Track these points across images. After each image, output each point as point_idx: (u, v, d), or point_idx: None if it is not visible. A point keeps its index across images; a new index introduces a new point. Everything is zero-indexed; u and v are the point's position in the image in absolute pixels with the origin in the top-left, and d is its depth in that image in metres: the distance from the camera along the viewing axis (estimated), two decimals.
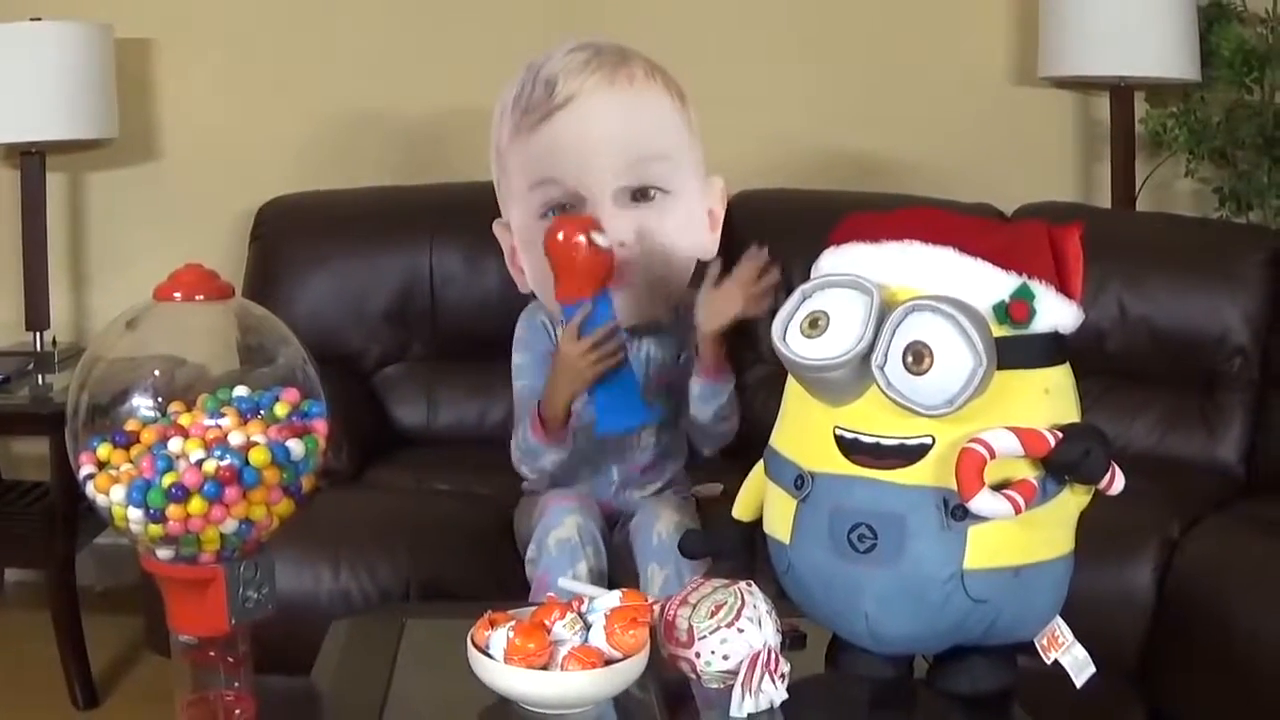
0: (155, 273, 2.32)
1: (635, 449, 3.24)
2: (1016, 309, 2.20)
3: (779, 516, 2.34)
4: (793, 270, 3.19)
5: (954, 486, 2.14)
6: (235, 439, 2.15)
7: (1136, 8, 4.25)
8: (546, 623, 2.27)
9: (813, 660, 2.41)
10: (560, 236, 3.04)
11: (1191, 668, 3.19)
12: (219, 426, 2.17)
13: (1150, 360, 3.90)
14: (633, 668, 2.27)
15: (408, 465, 3.75)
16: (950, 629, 2.26)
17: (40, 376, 4.17)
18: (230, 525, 2.14)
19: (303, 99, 4.53)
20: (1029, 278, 2.22)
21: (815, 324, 2.25)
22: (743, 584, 2.36)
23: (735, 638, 2.28)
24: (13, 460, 4.50)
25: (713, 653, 2.29)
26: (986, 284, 2.22)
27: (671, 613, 2.35)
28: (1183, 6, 4.26)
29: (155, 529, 2.12)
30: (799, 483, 2.29)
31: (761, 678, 2.24)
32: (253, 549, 2.21)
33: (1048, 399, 2.24)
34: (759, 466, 2.48)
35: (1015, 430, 2.16)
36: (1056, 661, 2.33)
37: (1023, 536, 2.21)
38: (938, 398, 2.16)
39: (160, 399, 2.21)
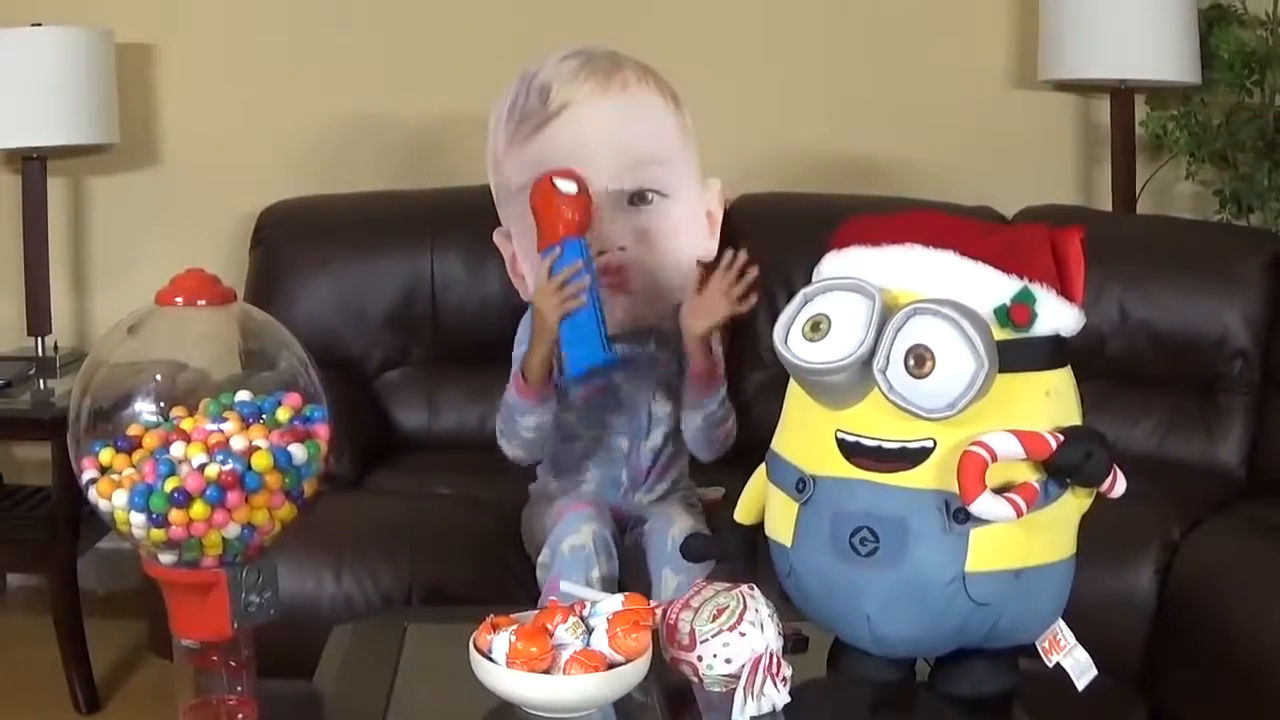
0: (157, 278, 2.32)
1: (640, 450, 3.23)
2: (1018, 312, 2.20)
3: (781, 520, 2.34)
4: (794, 274, 3.19)
5: (955, 489, 2.14)
6: (237, 444, 2.16)
7: (1137, 11, 4.25)
8: (549, 626, 2.27)
9: (815, 663, 2.42)
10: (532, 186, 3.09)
11: (1193, 670, 3.19)
12: (221, 431, 2.18)
13: (1151, 363, 3.91)
14: (635, 671, 2.27)
15: (409, 469, 3.75)
16: (952, 632, 2.26)
17: (42, 381, 4.16)
18: (232, 530, 2.15)
19: (303, 104, 4.53)
20: (1030, 281, 2.22)
21: (817, 327, 2.25)
22: (745, 587, 2.36)
23: (737, 641, 2.29)
24: (15, 465, 4.50)
25: (715, 656, 2.29)
26: (988, 287, 2.22)
27: (673, 616, 2.35)
28: (1183, 9, 4.26)
29: (157, 534, 2.13)
30: (801, 486, 2.29)
31: (763, 681, 2.24)
32: (255, 554, 2.21)
33: (1049, 402, 2.24)
34: (761, 470, 2.48)
35: (1017, 433, 2.17)
36: (1058, 664, 2.33)
37: (1024, 539, 2.22)
38: (939, 401, 2.16)
39: (162, 404, 2.22)
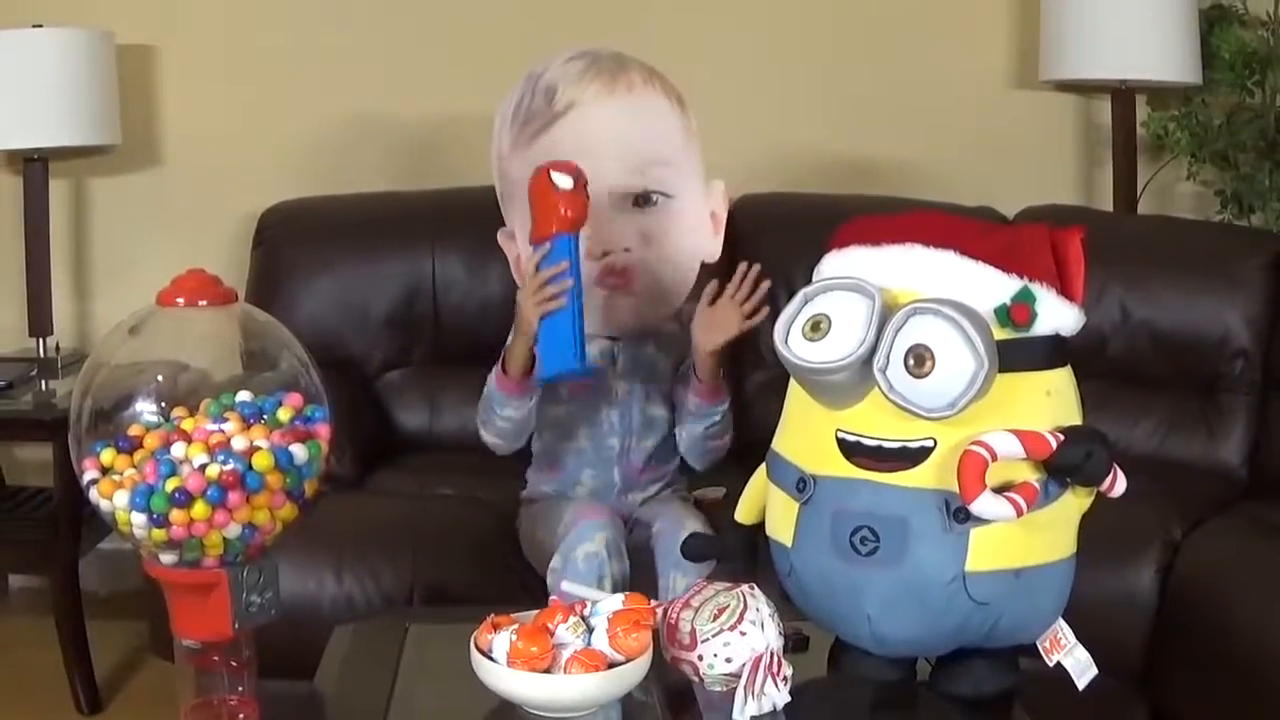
0: (158, 278, 2.32)
1: (632, 451, 3.23)
2: (1018, 312, 2.21)
3: (781, 519, 2.34)
4: (794, 274, 3.19)
5: (956, 489, 2.15)
6: (238, 444, 2.16)
7: (1137, 11, 4.25)
8: (549, 626, 2.27)
9: (815, 663, 2.42)
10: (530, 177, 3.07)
11: (1194, 669, 3.19)
12: (222, 431, 2.18)
13: (1152, 363, 3.91)
14: (635, 671, 2.27)
15: (410, 470, 3.75)
16: (952, 631, 2.27)
17: (43, 382, 4.17)
18: (233, 530, 2.15)
19: (305, 104, 4.53)
20: (1030, 280, 2.22)
21: (817, 327, 2.25)
22: (745, 587, 2.36)
23: (738, 640, 2.29)
24: (16, 466, 4.50)
25: (715, 655, 2.29)
26: (988, 287, 2.22)
27: (674, 616, 2.35)
28: (1184, 9, 4.26)
29: (158, 534, 2.13)
30: (801, 485, 2.29)
31: (764, 680, 2.24)
32: (256, 554, 2.21)
33: (1049, 401, 2.25)
34: (761, 470, 2.48)
35: (1017, 433, 2.17)
36: (1059, 664, 2.33)
37: (1025, 539, 2.22)
38: (939, 400, 2.16)
39: (163, 404, 2.22)
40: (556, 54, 3.33)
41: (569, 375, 3.08)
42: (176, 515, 2.11)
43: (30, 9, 4.23)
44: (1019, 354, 2.20)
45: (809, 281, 2.34)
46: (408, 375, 4.00)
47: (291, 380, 2.28)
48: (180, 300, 2.23)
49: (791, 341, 2.27)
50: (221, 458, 2.14)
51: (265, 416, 2.22)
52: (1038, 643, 2.33)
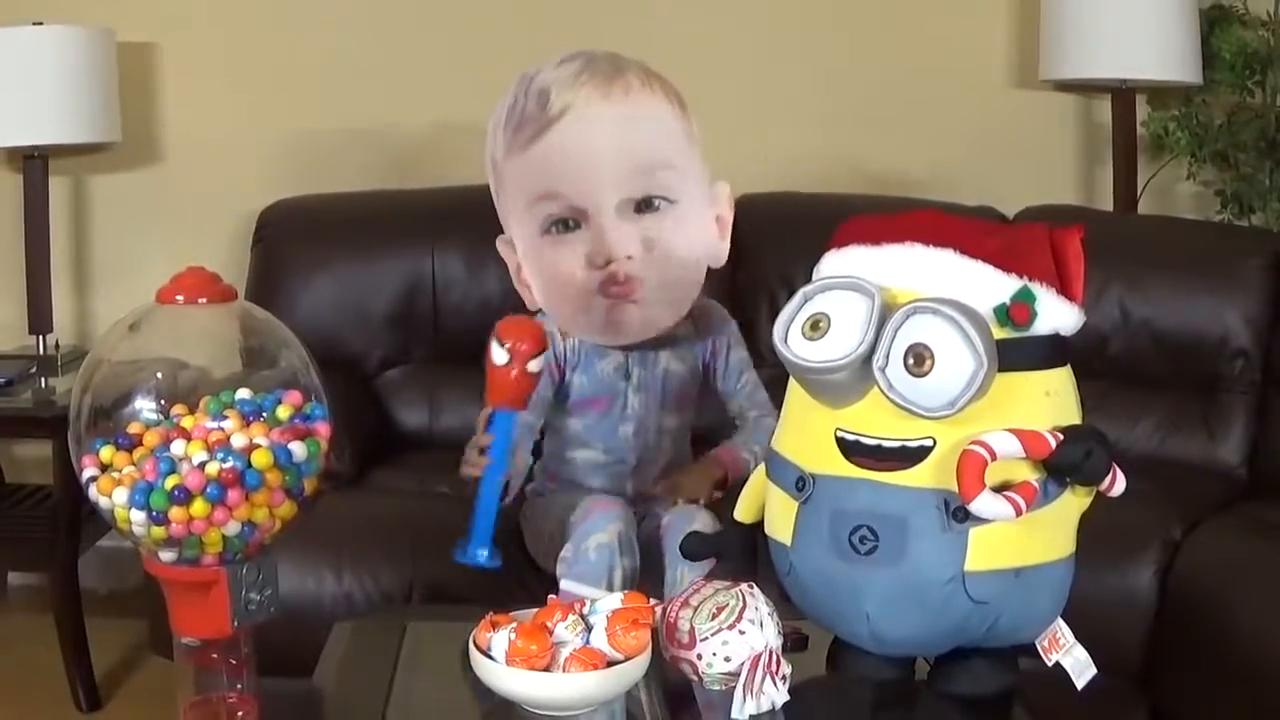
0: (158, 276, 2.32)
1: (647, 464, 3.22)
2: (1017, 311, 2.21)
3: (780, 518, 2.34)
4: (794, 273, 3.19)
5: (955, 488, 2.14)
6: (238, 441, 2.16)
7: (1138, 11, 4.25)
8: (548, 624, 2.27)
9: (814, 662, 2.42)
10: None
11: (1193, 669, 3.19)
12: (221, 429, 2.18)
13: (1152, 362, 3.91)
14: (634, 669, 2.27)
15: (410, 468, 3.75)
16: (951, 630, 2.27)
17: (43, 380, 4.17)
18: (233, 528, 2.15)
19: (305, 102, 4.53)
20: (1030, 280, 2.22)
21: (816, 326, 2.25)
22: (744, 586, 2.36)
23: (737, 639, 2.29)
24: (16, 463, 4.50)
25: (714, 654, 2.29)
26: (988, 286, 2.22)
27: (673, 614, 2.35)
28: (1184, 9, 4.26)
29: (158, 531, 2.13)
30: (800, 485, 2.29)
31: (763, 679, 2.24)
32: (255, 551, 2.21)
33: (1049, 401, 2.24)
34: (760, 469, 2.49)
35: (1016, 432, 2.17)
36: (1058, 663, 2.33)
37: (1024, 538, 2.22)
38: (939, 400, 2.16)
39: (163, 402, 2.22)
40: (550, 57, 3.24)
41: (476, 567, 2.89)
42: (176, 513, 2.11)
43: (30, 6, 4.23)
44: (1018, 353, 2.20)
45: (808, 280, 2.34)
46: (407, 373, 4.01)
47: (291, 378, 2.28)
48: (180, 298, 2.23)
49: (791, 340, 2.27)
50: (221, 455, 2.14)
51: (265, 414, 2.22)
52: (1037, 642, 2.33)
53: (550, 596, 2.40)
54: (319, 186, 4.25)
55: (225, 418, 2.20)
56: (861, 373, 2.21)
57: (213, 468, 2.13)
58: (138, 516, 2.13)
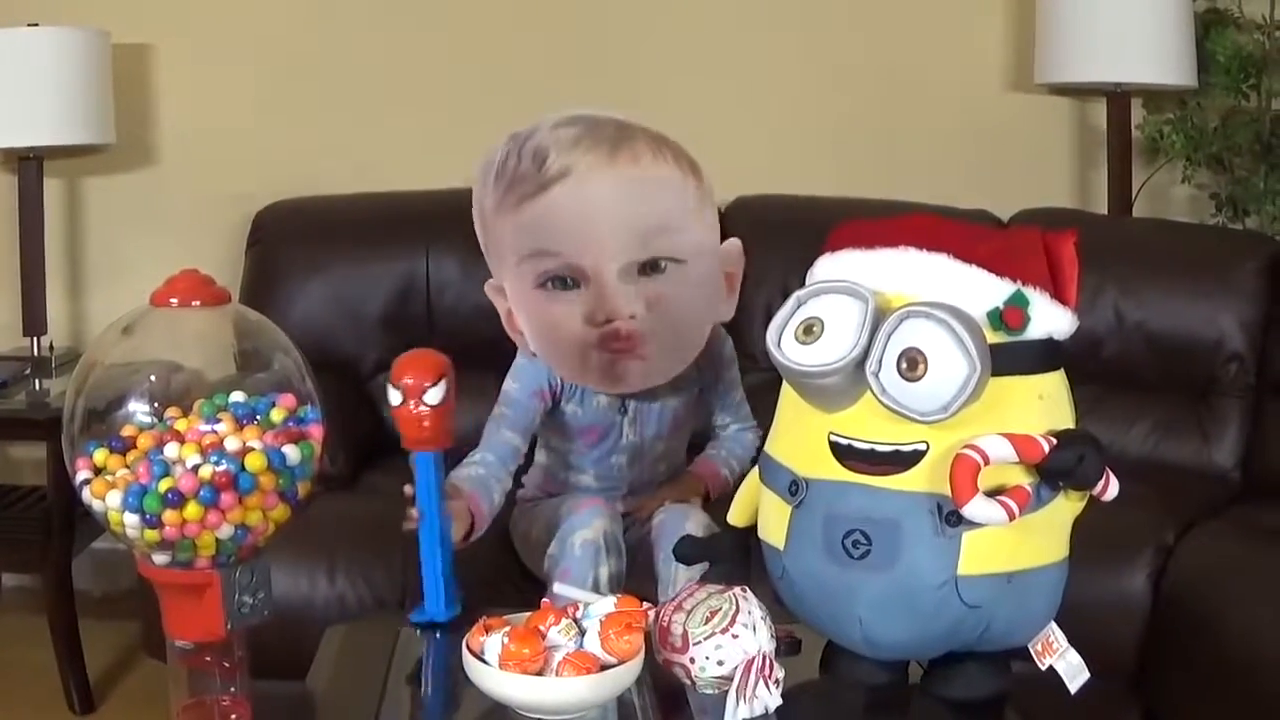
0: (152, 278, 2.32)
1: (640, 486, 3.20)
2: (1011, 315, 2.21)
3: (774, 522, 2.34)
4: (788, 276, 3.18)
5: (948, 492, 2.15)
6: (231, 444, 2.16)
7: (1133, 14, 4.25)
8: (541, 628, 2.27)
9: (807, 666, 2.41)
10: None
11: (1187, 673, 3.19)
12: (215, 432, 2.18)
13: (1146, 366, 3.91)
14: (627, 673, 2.27)
15: (403, 471, 3.73)
16: (944, 635, 2.27)
17: (37, 381, 4.17)
18: (226, 531, 2.15)
19: (300, 104, 4.53)
20: (1024, 284, 2.22)
21: (810, 330, 2.25)
22: (737, 590, 2.36)
23: (730, 643, 2.29)
24: (10, 465, 4.50)
25: (707, 658, 2.29)
26: (981, 290, 2.22)
27: (666, 618, 2.35)
28: (1179, 13, 4.26)
29: (151, 534, 2.13)
30: (793, 489, 2.29)
31: (756, 683, 2.24)
32: (249, 554, 2.22)
33: (1042, 405, 2.25)
34: (754, 472, 2.49)
35: (1009, 436, 2.17)
36: (1051, 667, 2.33)
37: (1017, 542, 2.22)
38: (932, 404, 2.16)
39: (157, 404, 2.22)
40: (543, 117, 3.10)
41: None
42: (169, 516, 2.11)
43: (26, 8, 4.23)
44: (1012, 358, 2.20)
45: (802, 284, 2.34)
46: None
47: (285, 381, 2.28)
48: (174, 300, 2.24)
49: (784, 345, 2.27)
50: (214, 458, 2.14)
51: (258, 417, 2.23)
52: (1030, 646, 2.33)
53: (543, 600, 2.39)
54: (313, 189, 4.25)
55: (219, 421, 2.20)
56: (855, 377, 2.21)
57: (206, 471, 2.13)
58: (131, 519, 2.13)
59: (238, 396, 2.25)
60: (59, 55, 4.13)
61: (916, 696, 2.39)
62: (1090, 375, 3.61)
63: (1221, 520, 3.53)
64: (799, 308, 2.30)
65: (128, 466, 2.17)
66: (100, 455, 2.18)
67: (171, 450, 2.16)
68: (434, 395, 2.63)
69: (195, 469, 2.13)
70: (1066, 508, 2.27)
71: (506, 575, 3.19)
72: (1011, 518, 2.15)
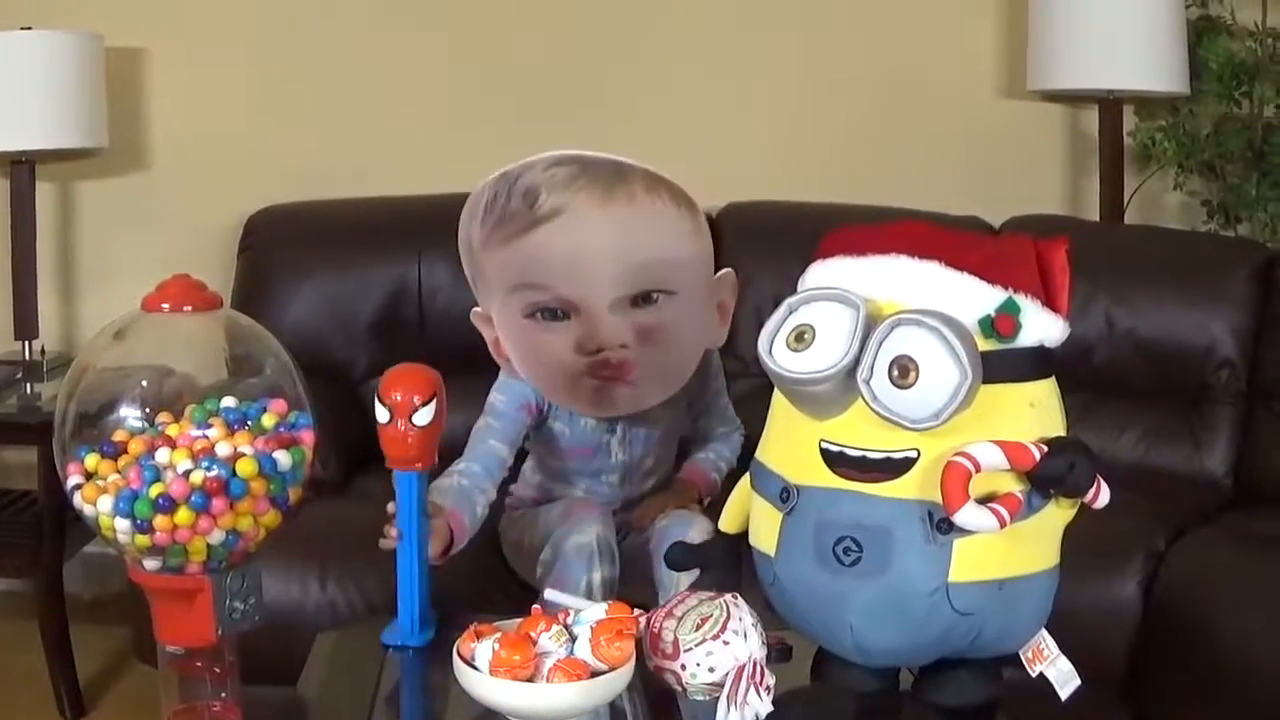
0: (144, 283, 2.33)
1: (631, 501, 3.19)
2: (1002, 323, 2.21)
3: (765, 529, 2.34)
4: (779, 283, 3.18)
5: (939, 500, 2.14)
6: (222, 450, 2.16)
7: (1125, 21, 4.25)
8: (532, 635, 2.27)
9: (798, 672, 2.42)
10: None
11: (1178, 680, 3.19)
12: (206, 437, 2.18)
13: (1137, 373, 3.92)
14: (618, 680, 2.26)
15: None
16: (935, 641, 2.27)
17: (29, 386, 4.17)
18: (217, 536, 2.15)
19: (292, 109, 4.53)
20: (1015, 292, 2.22)
21: (801, 337, 2.25)
22: (728, 596, 2.36)
23: (721, 650, 2.29)
24: (1, 469, 4.49)
25: (698, 665, 2.29)
26: (972, 298, 2.22)
27: (657, 625, 2.35)
28: (1172, 20, 4.27)
29: (142, 539, 2.13)
30: (785, 495, 2.29)
31: (747, 690, 2.24)
32: (240, 560, 2.22)
33: (1033, 413, 2.25)
34: (745, 479, 2.48)
35: (1000, 444, 2.17)
36: (1042, 674, 2.33)
37: (1008, 550, 2.22)
38: (923, 411, 2.16)
39: (148, 409, 2.22)
40: (535, 157, 3.05)
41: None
42: (160, 521, 2.11)
43: (19, 11, 4.23)
44: (1003, 365, 2.20)
45: (793, 291, 2.34)
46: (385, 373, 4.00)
47: (276, 386, 2.29)
48: (166, 305, 2.24)
49: (775, 352, 2.27)
50: (206, 464, 2.15)
51: (249, 422, 2.23)
52: (1020, 653, 2.33)
53: (534, 606, 2.39)
54: (306, 193, 4.25)
55: (210, 426, 2.21)
56: (846, 384, 2.21)
57: (197, 476, 2.13)
58: (122, 524, 2.13)
59: (229, 402, 2.25)
60: (52, 58, 4.13)
61: (907, 703, 2.39)
62: (1081, 382, 3.62)
63: (1212, 527, 3.53)
64: (790, 315, 2.30)
65: (119, 471, 2.17)
66: (91, 460, 2.18)
67: (163, 455, 2.16)
68: (424, 416, 2.59)
69: (186, 474, 2.13)
70: (1057, 515, 2.27)
71: (497, 582, 3.19)
72: (1002, 525, 2.15)
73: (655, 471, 3.21)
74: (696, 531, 2.95)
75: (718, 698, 2.25)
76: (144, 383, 2.25)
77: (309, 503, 2.36)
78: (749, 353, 3.40)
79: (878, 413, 2.18)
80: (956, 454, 2.15)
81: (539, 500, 3.21)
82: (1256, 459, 3.85)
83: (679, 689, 2.33)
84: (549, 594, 2.62)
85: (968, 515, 2.13)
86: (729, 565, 2.52)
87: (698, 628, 2.31)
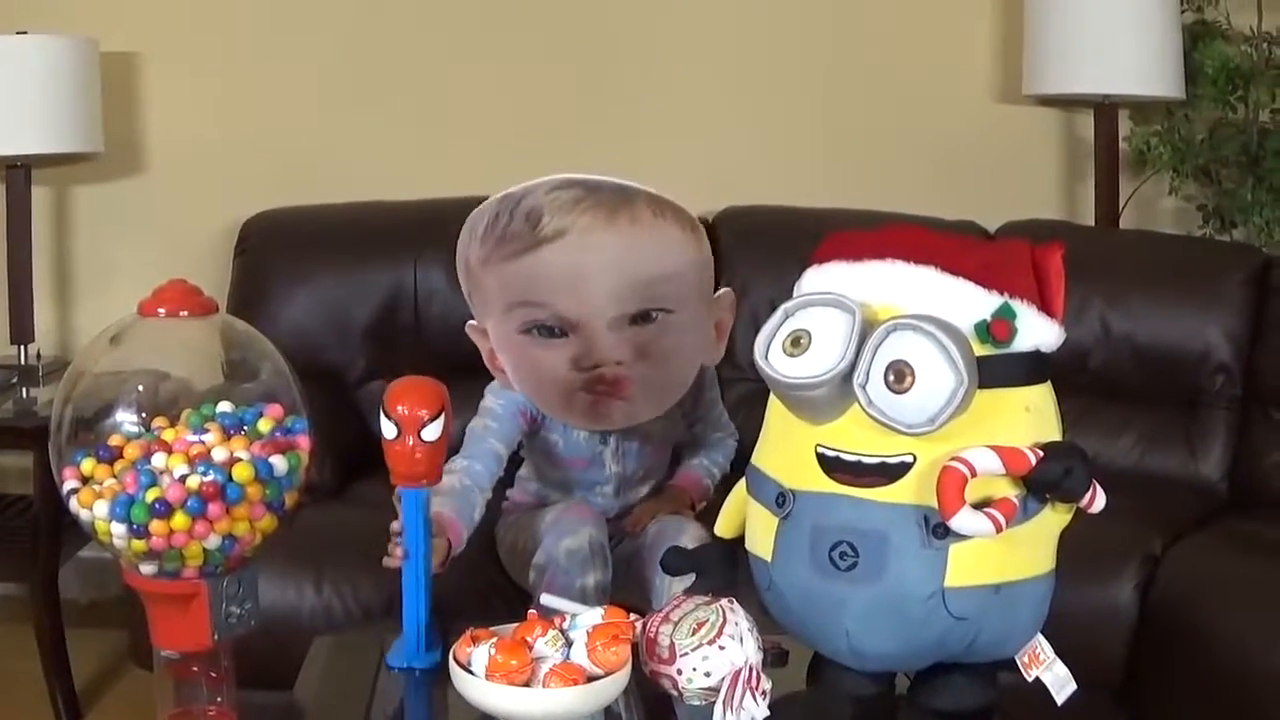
0: (140, 287, 2.33)
1: (625, 508, 3.20)
2: (998, 328, 2.21)
3: (761, 534, 2.34)
4: (775, 288, 3.18)
5: (935, 504, 2.14)
6: (219, 455, 2.16)
7: (1121, 26, 4.25)
8: (528, 639, 2.27)
9: (794, 677, 2.41)
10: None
11: (1173, 684, 3.19)
12: (202, 442, 2.18)
13: (1132, 378, 3.92)
14: (614, 685, 2.27)
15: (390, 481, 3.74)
16: (931, 646, 2.27)
17: (24, 390, 4.17)
18: (213, 541, 2.15)
19: (288, 114, 4.53)
20: (1011, 297, 2.22)
21: (797, 342, 2.25)
22: (724, 601, 2.36)
23: (717, 655, 2.29)
24: None
25: (694, 670, 2.29)
26: (968, 303, 2.22)
27: (653, 630, 2.35)
28: (1167, 24, 4.27)
29: (138, 544, 2.13)
30: (781, 500, 2.29)
31: (743, 695, 2.24)
32: (236, 565, 2.22)
33: (1029, 417, 2.25)
34: (741, 484, 2.48)
35: (996, 449, 2.17)
36: (1038, 679, 2.33)
37: (1004, 554, 2.22)
38: (919, 416, 2.16)
39: (144, 414, 2.22)
40: (538, 180, 3.03)
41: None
42: (156, 526, 2.11)
43: (14, 16, 4.23)
44: (999, 370, 2.20)
45: (789, 296, 2.34)
46: (389, 385, 4.00)
47: (272, 391, 2.29)
48: (162, 310, 2.24)
49: (772, 357, 2.27)
50: (202, 469, 2.14)
51: (246, 428, 2.23)
52: (1017, 658, 2.33)
53: (530, 611, 2.39)
54: (301, 198, 4.25)
55: (206, 431, 2.21)
56: (842, 389, 2.21)
57: (194, 481, 2.13)
58: (118, 529, 2.13)
59: (225, 406, 2.25)
60: (47, 63, 4.13)
61: (904, 708, 2.39)
62: (1077, 387, 3.63)
63: (1208, 532, 3.54)
64: (786, 320, 2.30)
65: (115, 476, 2.16)
66: (88, 465, 2.18)
67: (159, 460, 2.16)
68: (431, 431, 2.52)
69: (183, 479, 2.13)
70: (1053, 519, 2.27)
71: (493, 586, 3.18)
72: (999, 530, 2.15)
73: (649, 479, 3.21)
74: (688, 537, 2.95)
75: (714, 702, 2.25)
76: (140, 387, 2.25)
77: (304, 508, 2.36)
78: (745, 357, 3.41)
79: (874, 417, 2.18)
80: (952, 459, 2.15)
81: (534, 505, 3.21)
82: (1251, 463, 3.85)
83: (675, 694, 2.33)
84: (545, 598, 2.62)
85: (964, 520, 2.13)
86: (725, 570, 2.52)
87: (694, 632, 2.31)
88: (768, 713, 2.25)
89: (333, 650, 2.69)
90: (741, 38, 4.57)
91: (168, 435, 2.20)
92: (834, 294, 2.27)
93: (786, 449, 2.32)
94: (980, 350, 2.19)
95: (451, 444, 2.81)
